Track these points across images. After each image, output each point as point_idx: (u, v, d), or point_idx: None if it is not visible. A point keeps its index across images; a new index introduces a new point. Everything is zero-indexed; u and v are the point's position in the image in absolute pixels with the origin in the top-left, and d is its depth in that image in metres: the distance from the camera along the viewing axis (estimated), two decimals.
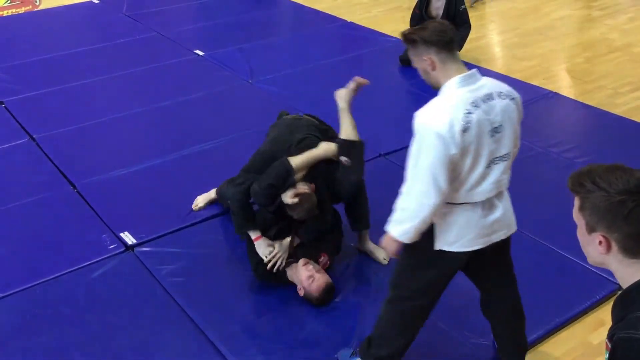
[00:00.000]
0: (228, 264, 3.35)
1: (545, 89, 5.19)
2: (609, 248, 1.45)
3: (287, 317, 3.00)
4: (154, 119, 4.90)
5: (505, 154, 2.22)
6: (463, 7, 5.53)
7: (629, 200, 1.39)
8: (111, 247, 3.46)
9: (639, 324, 1.35)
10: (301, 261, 3.06)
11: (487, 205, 2.25)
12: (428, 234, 2.26)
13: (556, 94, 5.13)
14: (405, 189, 2.22)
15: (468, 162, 2.14)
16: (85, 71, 5.65)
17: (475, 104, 2.13)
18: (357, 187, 3.20)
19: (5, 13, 7.37)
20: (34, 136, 4.60)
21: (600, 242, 1.45)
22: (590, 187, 1.44)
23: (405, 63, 5.66)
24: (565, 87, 5.46)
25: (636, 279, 1.44)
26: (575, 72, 5.74)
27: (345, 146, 3.15)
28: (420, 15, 5.60)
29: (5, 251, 3.47)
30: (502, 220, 2.29)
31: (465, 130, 2.08)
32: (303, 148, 3.12)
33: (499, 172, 2.22)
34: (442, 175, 2.11)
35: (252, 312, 3.05)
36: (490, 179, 2.20)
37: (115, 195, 3.93)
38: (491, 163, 2.19)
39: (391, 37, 6.33)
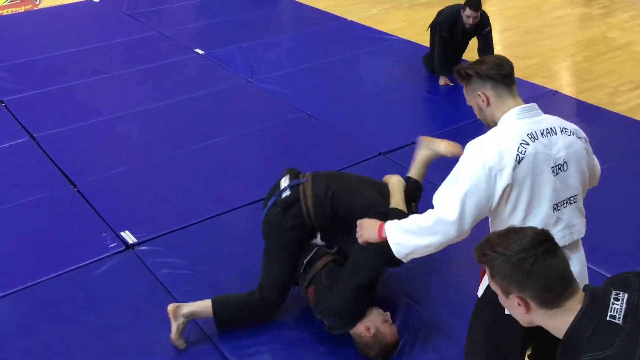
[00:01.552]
0: (229, 263, 3.34)
1: (546, 87, 5.19)
2: (527, 307, 1.49)
3: (288, 316, 3.00)
4: (155, 117, 4.90)
5: (573, 196, 2.00)
6: (488, 29, 5.17)
7: (527, 256, 1.45)
8: (111, 245, 3.46)
9: None
10: (388, 316, 2.78)
11: None
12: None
13: (556, 92, 5.13)
14: (429, 211, 2.03)
15: (524, 200, 1.93)
16: (85, 70, 5.65)
17: (532, 136, 1.95)
18: None
19: (4, 12, 7.36)
20: (34, 135, 4.61)
21: (518, 304, 1.50)
22: (492, 255, 1.50)
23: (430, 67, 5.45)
24: (565, 85, 5.46)
25: (566, 326, 1.47)
26: (575, 70, 5.73)
27: (414, 189, 2.99)
28: (451, 37, 5.20)
29: (7, 250, 3.47)
30: (579, 278, 1.87)
31: (518, 161, 1.90)
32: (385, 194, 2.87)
33: (570, 217, 1.99)
34: (471, 211, 1.93)
35: None
36: (560, 225, 1.97)
37: (115, 194, 3.94)
38: (559, 206, 1.97)
39: (391, 35, 6.33)
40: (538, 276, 1.45)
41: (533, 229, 1.53)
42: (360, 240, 2.23)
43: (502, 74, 2.03)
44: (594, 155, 2.25)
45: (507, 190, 1.93)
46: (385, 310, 2.79)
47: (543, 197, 1.95)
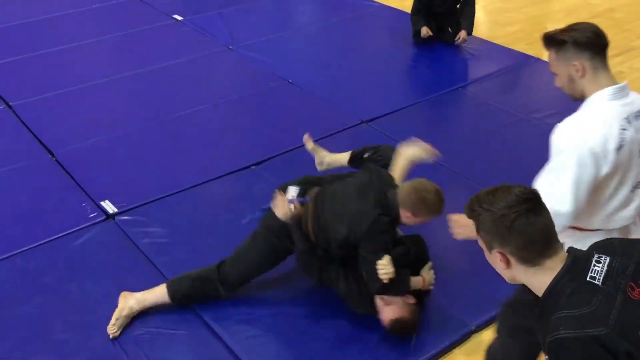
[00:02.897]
0: (210, 232, 3.33)
1: (528, 55, 5.17)
2: (508, 262, 1.52)
3: (267, 283, 3.00)
4: (133, 85, 4.82)
5: None
6: None
7: (509, 212, 1.48)
8: (91, 215, 3.43)
9: (560, 324, 1.42)
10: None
11: (624, 232, 2.02)
12: None
13: (538, 59, 5.12)
14: None
15: (614, 184, 1.92)
16: (62, 37, 5.53)
17: (628, 120, 1.89)
18: None
19: None
20: (10, 104, 4.52)
21: (500, 260, 1.53)
22: (479, 210, 1.53)
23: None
24: (547, 52, 5.45)
25: (545, 286, 1.50)
26: None
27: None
28: (428, 3, 5.22)
29: None
30: None
31: (619, 148, 1.86)
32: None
33: None
34: (584, 197, 1.89)
35: None
36: (633, 205, 1.98)
37: (94, 163, 3.89)
38: (635, 187, 1.96)
39: (374, 2, 6.26)
40: (518, 232, 1.47)
41: (520, 187, 1.54)
42: (458, 238, 2.13)
43: (602, 45, 1.92)
44: None
45: (606, 176, 1.88)
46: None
47: (629, 178, 1.93)
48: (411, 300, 2.71)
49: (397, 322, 2.65)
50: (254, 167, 3.83)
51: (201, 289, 2.85)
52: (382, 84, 4.85)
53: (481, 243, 1.57)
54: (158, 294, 2.84)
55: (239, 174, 3.78)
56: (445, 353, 2.67)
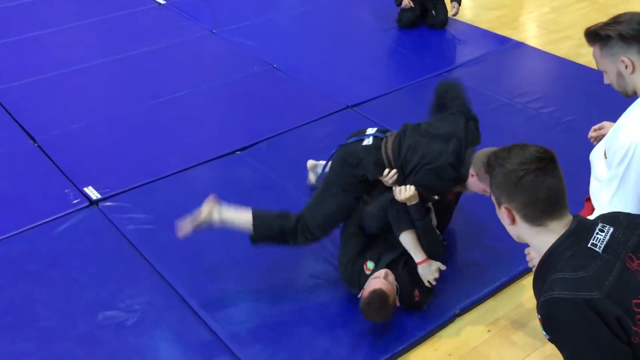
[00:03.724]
0: None
1: (512, 39, 5.17)
2: (513, 219, 1.56)
3: (254, 268, 3.00)
4: (116, 70, 4.78)
5: None
6: None
7: (519, 169, 1.51)
8: (75, 202, 3.40)
9: (555, 285, 1.44)
10: (383, 272, 2.69)
11: None
12: None
13: (522, 44, 5.13)
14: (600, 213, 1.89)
15: None
16: (43, 21, 5.46)
17: None
18: None
19: None
20: None
21: (507, 215, 1.56)
22: (494, 165, 1.57)
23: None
24: (531, 37, 5.46)
25: (547, 247, 1.53)
26: (542, 22, 5.73)
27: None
28: None
29: None
30: None
31: None
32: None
33: None
34: None
35: (219, 265, 3.04)
36: None
37: (77, 149, 3.85)
38: None
39: None
40: (525, 189, 1.50)
41: (537, 146, 1.56)
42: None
43: None
44: None
45: None
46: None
47: None
48: (417, 295, 2.70)
49: (376, 295, 2.55)
50: (238, 152, 3.81)
51: (281, 233, 2.79)
52: (367, 68, 4.83)
53: (493, 198, 1.61)
54: (243, 220, 2.80)
55: (224, 160, 3.76)
56: (430, 336, 2.69)
